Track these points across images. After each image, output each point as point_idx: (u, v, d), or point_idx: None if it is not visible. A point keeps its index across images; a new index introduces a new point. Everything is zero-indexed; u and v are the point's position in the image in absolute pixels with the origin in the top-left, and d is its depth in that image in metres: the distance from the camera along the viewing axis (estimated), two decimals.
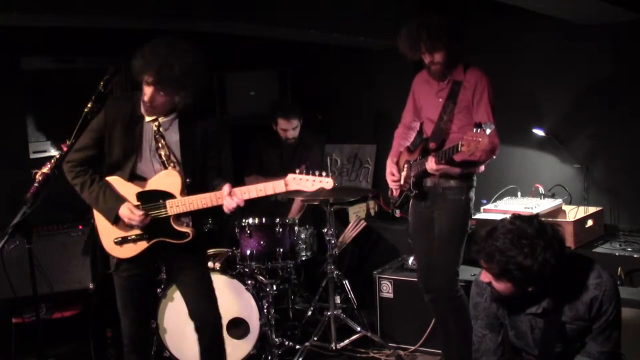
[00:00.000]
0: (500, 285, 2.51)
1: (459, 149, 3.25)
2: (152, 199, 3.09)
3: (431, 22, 3.41)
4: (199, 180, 3.15)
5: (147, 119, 3.11)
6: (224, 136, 3.32)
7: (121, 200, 3.08)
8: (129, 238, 3.11)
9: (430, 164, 3.47)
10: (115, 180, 3.12)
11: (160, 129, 3.11)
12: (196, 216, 3.19)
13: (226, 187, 3.02)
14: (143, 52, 2.94)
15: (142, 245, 3.13)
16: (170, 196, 3.08)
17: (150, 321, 3.35)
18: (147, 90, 2.99)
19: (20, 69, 4.77)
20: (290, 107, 4.99)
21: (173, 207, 3.07)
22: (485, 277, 2.54)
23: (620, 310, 2.61)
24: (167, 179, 3.09)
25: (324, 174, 3.02)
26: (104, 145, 3.12)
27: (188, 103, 3.06)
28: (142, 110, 3.09)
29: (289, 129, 4.92)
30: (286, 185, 3.03)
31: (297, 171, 3.03)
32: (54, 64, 4.95)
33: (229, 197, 3.01)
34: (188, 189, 3.11)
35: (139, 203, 3.09)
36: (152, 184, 3.11)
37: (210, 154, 3.20)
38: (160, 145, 3.11)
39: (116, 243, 3.13)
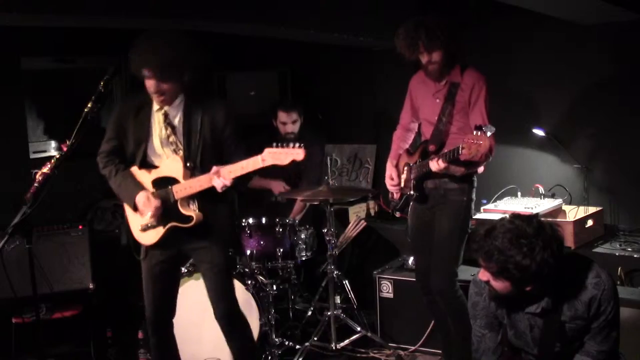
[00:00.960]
0: (498, 284, 2.51)
1: (460, 152, 3.24)
2: (163, 185, 3.22)
3: (430, 21, 3.41)
4: (206, 164, 3.19)
5: (155, 108, 3.22)
6: (235, 123, 3.32)
7: (139, 187, 3.22)
8: (149, 225, 3.24)
9: (435, 164, 3.45)
10: (135, 169, 3.28)
11: (168, 117, 3.21)
12: (203, 200, 3.23)
13: (214, 167, 3.12)
14: (135, 49, 3.05)
15: (160, 230, 3.24)
16: (176, 181, 3.19)
17: (173, 311, 3.44)
18: (149, 84, 3.09)
19: (20, 69, 4.77)
20: (292, 102, 5.02)
21: (178, 191, 3.19)
22: (484, 275, 2.54)
23: (619, 310, 2.61)
24: (172, 165, 3.22)
25: (297, 145, 3.08)
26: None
27: (188, 84, 3.16)
28: (155, 102, 3.21)
29: (288, 122, 4.91)
30: (263, 160, 3.10)
31: (274, 145, 3.07)
32: (54, 64, 4.95)
33: (216, 177, 3.10)
34: (196, 174, 3.19)
35: (154, 190, 3.23)
36: (162, 171, 3.24)
37: (225, 140, 3.24)
38: (169, 132, 3.21)
39: (141, 230, 3.27)
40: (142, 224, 3.25)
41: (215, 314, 3.37)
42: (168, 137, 3.20)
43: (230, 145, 3.25)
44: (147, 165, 3.27)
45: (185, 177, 3.17)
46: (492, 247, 2.42)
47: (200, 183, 3.14)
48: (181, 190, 3.17)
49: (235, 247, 4.16)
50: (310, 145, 5.05)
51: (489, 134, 3.11)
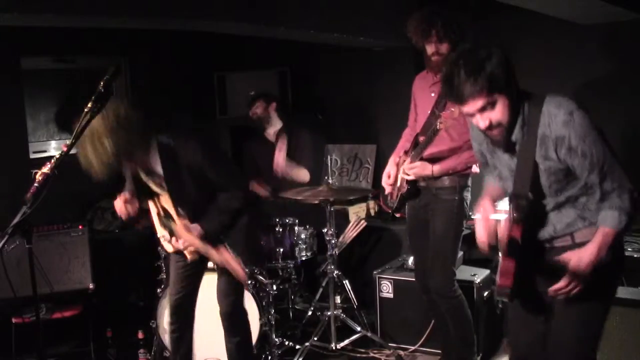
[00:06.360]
0: (471, 105, 2.45)
1: (438, 127, 3.33)
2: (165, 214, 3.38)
3: (448, 13, 3.45)
4: (196, 200, 3.25)
5: None
6: (213, 148, 3.30)
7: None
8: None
9: (404, 169, 3.60)
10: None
11: (147, 175, 3.26)
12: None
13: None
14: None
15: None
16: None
17: (193, 308, 3.53)
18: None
19: (20, 69, 4.77)
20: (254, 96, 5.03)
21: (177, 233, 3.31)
22: (471, 107, 2.45)
23: (605, 143, 2.53)
24: (167, 202, 3.34)
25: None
26: None
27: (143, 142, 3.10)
28: None
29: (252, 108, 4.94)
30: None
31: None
32: (54, 64, 4.95)
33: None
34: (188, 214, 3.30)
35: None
36: (164, 200, 3.35)
37: (209, 178, 3.22)
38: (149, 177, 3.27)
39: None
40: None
41: (219, 309, 3.47)
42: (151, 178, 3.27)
43: (217, 181, 3.24)
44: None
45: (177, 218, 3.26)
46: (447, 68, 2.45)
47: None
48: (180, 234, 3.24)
49: (255, 257, 4.11)
50: (297, 138, 5.01)
51: None
